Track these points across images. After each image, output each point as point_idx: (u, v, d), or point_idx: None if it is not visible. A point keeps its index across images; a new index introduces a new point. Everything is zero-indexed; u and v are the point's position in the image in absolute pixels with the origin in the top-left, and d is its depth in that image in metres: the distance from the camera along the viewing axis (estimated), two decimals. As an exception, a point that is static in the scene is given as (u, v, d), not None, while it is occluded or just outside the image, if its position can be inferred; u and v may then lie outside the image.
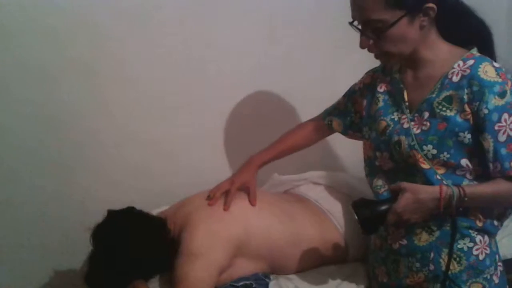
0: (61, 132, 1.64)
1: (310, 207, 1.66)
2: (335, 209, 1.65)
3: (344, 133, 1.58)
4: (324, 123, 1.61)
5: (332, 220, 1.62)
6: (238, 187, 1.56)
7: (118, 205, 1.46)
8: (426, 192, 1.18)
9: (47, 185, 1.65)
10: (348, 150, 1.78)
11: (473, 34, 1.25)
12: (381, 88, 1.39)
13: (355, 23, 1.22)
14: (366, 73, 1.49)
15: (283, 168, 1.89)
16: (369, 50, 1.23)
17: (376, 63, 1.46)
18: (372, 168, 1.40)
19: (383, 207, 1.20)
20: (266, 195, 1.65)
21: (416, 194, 1.18)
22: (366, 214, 1.21)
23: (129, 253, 1.38)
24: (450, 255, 1.23)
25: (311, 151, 1.75)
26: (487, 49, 1.25)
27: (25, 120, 1.59)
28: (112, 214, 1.44)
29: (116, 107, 1.72)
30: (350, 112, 1.53)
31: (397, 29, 1.16)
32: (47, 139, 1.63)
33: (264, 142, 1.99)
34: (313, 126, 1.65)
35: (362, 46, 1.22)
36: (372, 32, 1.19)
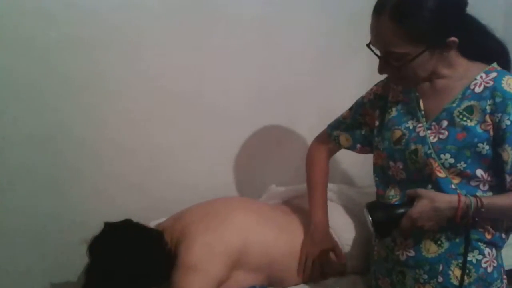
0: (53, 149, 1.63)
1: (308, 219, 1.65)
2: (333, 221, 1.63)
3: (353, 147, 1.54)
4: (331, 141, 1.58)
5: (330, 232, 1.61)
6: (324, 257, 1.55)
7: (113, 219, 1.46)
8: (444, 200, 1.18)
9: (40, 200, 1.64)
10: (347, 161, 1.79)
11: (492, 55, 1.27)
12: (394, 98, 1.39)
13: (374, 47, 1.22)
14: (376, 84, 1.48)
15: (280, 180, 1.88)
16: (388, 75, 1.26)
17: (375, 79, 1.48)
18: (383, 178, 1.39)
19: (399, 211, 1.20)
20: (263, 207, 1.65)
21: (434, 201, 1.18)
22: (381, 217, 1.21)
23: (126, 266, 1.37)
24: (464, 267, 1.23)
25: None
26: (506, 68, 1.26)
27: (16, 139, 1.57)
28: (109, 227, 1.43)
29: (108, 122, 1.71)
30: (360, 125, 1.51)
31: (419, 60, 1.18)
32: (40, 156, 1.61)
33: (260, 158, 1.99)
34: (326, 152, 1.61)
35: (380, 72, 1.24)
36: (392, 62, 1.19)
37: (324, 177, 1.61)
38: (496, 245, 1.28)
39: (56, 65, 1.59)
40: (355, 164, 1.72)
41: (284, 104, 2.00)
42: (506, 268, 1.35)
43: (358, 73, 1.79)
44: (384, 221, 1.21)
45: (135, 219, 1.48)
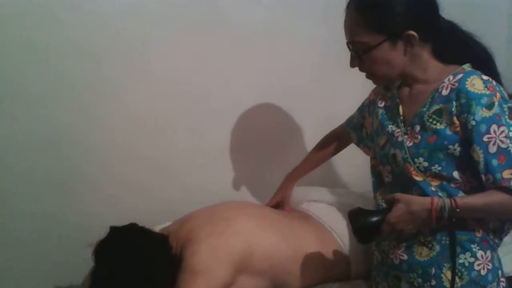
0: (58, 152, 1.64)
1: (312, 223, 1.66)
2: (337, 226, 1.65)
3: (358, 145, 1.62)
4: (345, 132, 1.66)
5: (334, 237, 1.62)
6: (273, 204, 1.77)
7: (118, 223, 1.46)
8: (418, 203, 1.19)
9: (45, 204, 1.65)
10: (350, 166, 1.79)
11: (474, 60, 1.28)
12: (381, 104, 1.42)
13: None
14: (372, 90, 1.52)
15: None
16: (359, 70, 1.28)
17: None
18: (378, 181, 1.42)
19: (378, 217, 1.22)
20: (267, 212, 1.65)
21: (409, 205, 1.19)
22: (361, 222, 1.23)
23: (131, 270, 1.37)
24: (453, 270, 1.23)
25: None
26: (491, 73, 1.26)
27: (22, 142, 1.59)
28: (114, 231, 1.43)
29: (114, 125, 1.72)
30: (362, 127, 1.56)
31: (379, 52, 1.21)
32: (44, 159, 1.63)
33: (264, 161, 1.99)
34: (338, 136, 1.70)
35: (351, 65, 1.28)
36: (356, 53, 1.24)
37: (325, 153, 1.75)
38: (489, 244, 1.27)
39: (62, 68, 1.61)
40: (357, 169, 1.73)
41: (288, 108, 2.01)
42: (509, 275, 1.34)
43: (359, 78, 1.79)
44: (364, 227, 1.23)
45: (140, 223, 1.48)
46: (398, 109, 1.34)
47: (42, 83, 1.59)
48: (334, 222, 1.65)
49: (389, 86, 1.42)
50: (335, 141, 1.73)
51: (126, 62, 1.70)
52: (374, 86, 1.50)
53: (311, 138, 2.01)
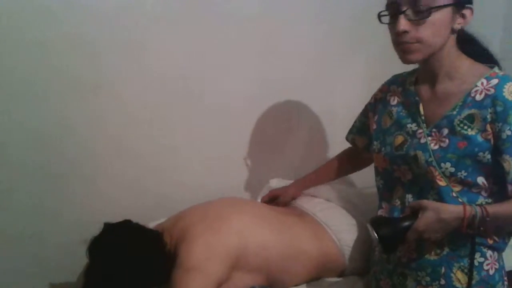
0: (54, 147, 1.63)
1: (307, 220, 1.65)
2: (332, 222, 1.64)
3: (368, 149, 1.56)
4: (350, 143, 1.63)
5: (329, 233, 1.61)
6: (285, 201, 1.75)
7: (113, 219, 1.45)
8: (449, 211, 1.17)
9: (41, 199, 1.64)
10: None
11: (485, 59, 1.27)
12: (394, 101, 1.38)
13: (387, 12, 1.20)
14: (378, 88, 1.48)
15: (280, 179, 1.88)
16: (402, 37, 1.17)
17: (375, 79, 1.47)
18: (389, 180, 1.38)
19: (404, 225, 1.19)
20: (264, 209, 1.64)
21: (439, 213, 1.17)
22: (386, 232, 1.20)
23: (125, 267, 1.36)
24: (470, 273, 1.23)
25: (309, 161, 1.75)
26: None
27: (17, 136, 1.58)
28: (108, 227, 1.42)
29: (111, 122, 1.71)
30: (368, 127, 1.52)
31: (440, 15, 1.15)
32: (42, 156, 1.62)
33: (260, 157, 1.98)
34: (347, 151, 1.69)
35: (400, 27, 1.15)
36: (416, 12, 1.15)
37: (333, 168, 1.73)
38: (498, 249, 1.28)
39: (59, 65, 1.59)
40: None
41: (285, 104, 1.99)
42: (507, 269, 1.35)
43: (358, 73, 1.78)
44: (390, 236, 1.20)
45: (136, 219, 1.47)
46: (418, 107, 1.30)
47: (39, 79, 1.57)
48: (329, 219, 1.64)
49: (400, 81, 1.39)
50: (346, 155, 1.70)
51: (123, 58, 1.67)
52: (373, 79, 1.48)
53: (309, 134, 2.00)
